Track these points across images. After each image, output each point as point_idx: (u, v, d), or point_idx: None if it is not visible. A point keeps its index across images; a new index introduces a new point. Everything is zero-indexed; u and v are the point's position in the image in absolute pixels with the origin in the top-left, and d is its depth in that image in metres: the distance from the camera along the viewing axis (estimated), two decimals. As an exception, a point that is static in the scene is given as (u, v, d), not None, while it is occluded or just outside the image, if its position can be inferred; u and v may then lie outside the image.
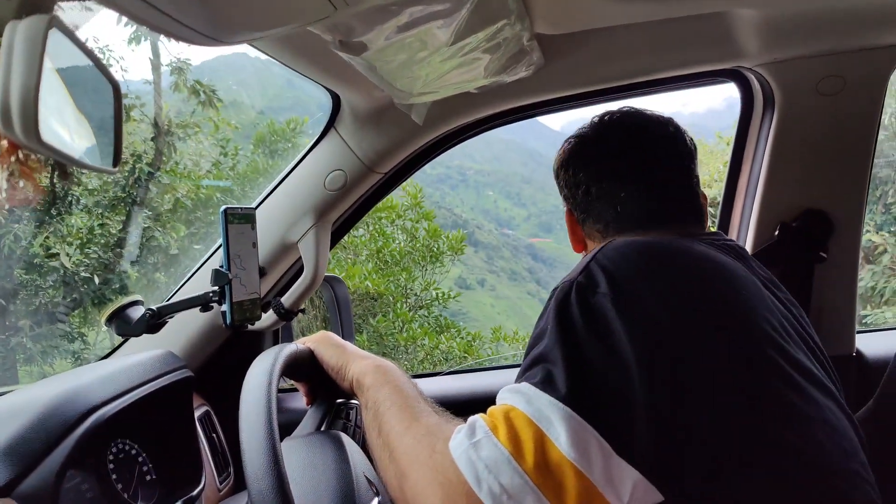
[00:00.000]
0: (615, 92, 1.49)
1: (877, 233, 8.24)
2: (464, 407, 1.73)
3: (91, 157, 0.67)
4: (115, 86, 0.70)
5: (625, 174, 1.09)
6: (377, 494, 1.09)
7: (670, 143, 1.12)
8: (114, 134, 0.70)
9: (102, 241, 7.90)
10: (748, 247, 1.54)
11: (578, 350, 0.80)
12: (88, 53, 0.63)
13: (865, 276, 8.03)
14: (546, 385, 0.78)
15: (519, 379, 0.84)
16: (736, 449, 0.80)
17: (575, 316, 0.82)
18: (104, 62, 0.67)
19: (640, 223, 1.08)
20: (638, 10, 1.13)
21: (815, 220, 1.47)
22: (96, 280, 7.54)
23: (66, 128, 0.58)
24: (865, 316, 7.82)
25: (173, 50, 9.55)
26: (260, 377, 0.96)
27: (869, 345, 1.64)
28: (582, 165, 1.14)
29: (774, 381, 0.84)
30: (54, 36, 0.54)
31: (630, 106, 1.20)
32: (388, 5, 0.78)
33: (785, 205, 1.49)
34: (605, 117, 1.17)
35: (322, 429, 1.21)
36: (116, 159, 0.70)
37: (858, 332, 1.63)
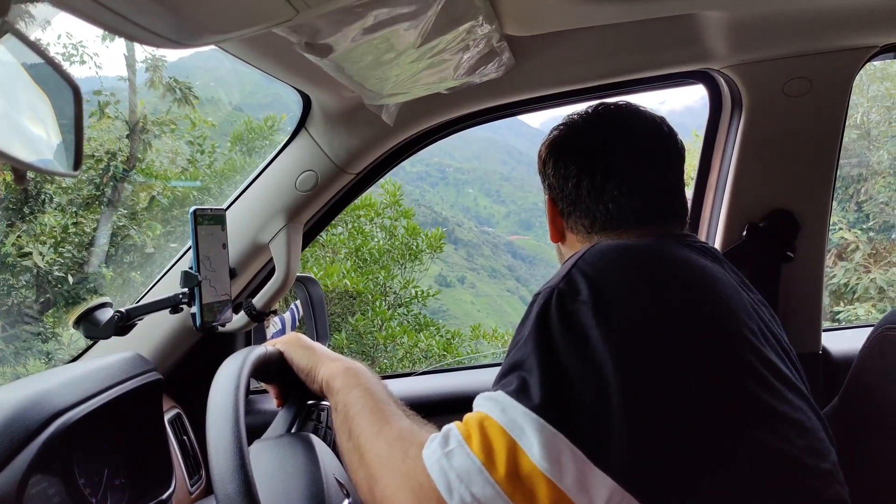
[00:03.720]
0: (586, 93, 1.49)
1: (849, 230, 8.36)
2: (438, 407, 1.74)
3: (49, 162, 0.66)
4: (75, 89, 0.69)
5: (620, 172, 1.07)
6: (347, 496, 1.09)
7: (665, 143, 1.11)
8: (74, 137, 0.69)
9: (77, 239, 7.80)
10: (717, 247, 1.55)
11: (554, 358, 0.80)
12: (45, 57, 0.63)
13: (838, 273, 8.16)
14: (520, 394, 0.78)
15: (495, 385, 0.84)
16: (713, 453, 0.81)
17: (553, 323, 0.82)
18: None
19: (629, 222, 1.07)
20: (606, 12, 1.13)
21: (782, 219, 1.49)
22: (70, 279, 7.44)
23: (20, 132, 0.58)
24: (838, 312, 7.94)
25: (148, 47, 9.44)
26: (228, 379, 0.96)
27: (835, 343, 1.67)
28: (574, 158, 1.11)
29: (751, 385, 0.85)
30: (9, 41, 0.53)
31: (626, 101, 1.19)
32: (353, 7, 0.78)
33: (753, 205, 1.51)
34: (601, 109, 1.14)
35: (292, 431, 1.21)
36: (77, 163, 0.69)
37: (824, 330, 1.65)
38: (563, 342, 0.81)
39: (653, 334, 0.82)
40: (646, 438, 0.78)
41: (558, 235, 1.18)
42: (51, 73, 0.65)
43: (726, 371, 0.85)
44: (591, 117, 1.15)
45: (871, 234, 8.74)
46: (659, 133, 1.11)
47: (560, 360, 0.80)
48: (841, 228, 8.35)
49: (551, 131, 1.20)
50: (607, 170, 1.07)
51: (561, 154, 1.14)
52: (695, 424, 0.80)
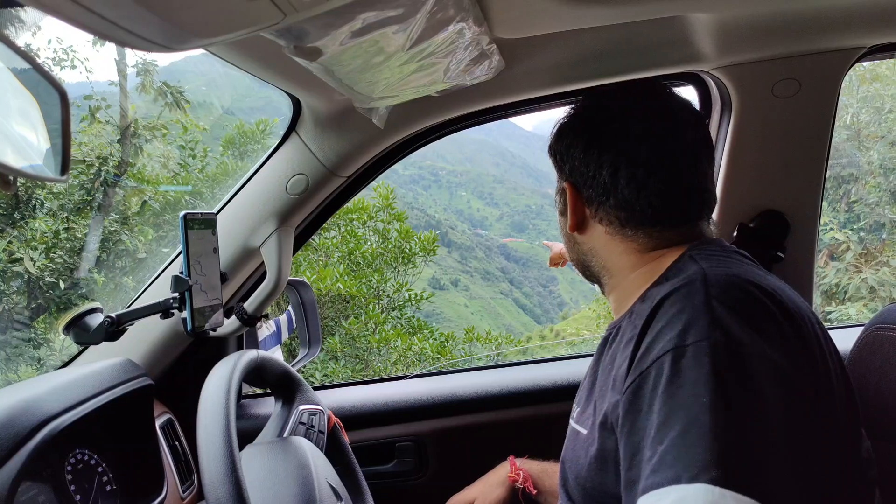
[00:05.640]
0: (576, 95, 1.50)
1: (840, 231, 8.40)
2: (433, 410, 1.74)
3: (38, 167, 0.66)
4: (62, 92, 0.68)
5: (664, 164, 1.01)
6: (339, 500, 1.08)
7: (702, 132, 1.07)
8: (61, 142, 0.69)
9: (68, 245, 7.76)
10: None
11: (741, 425, 0.72)
12: (31, 61, 0.63)
13: (829, 274, 8.20)
14: (739, 481, 0.68)
15: (658, 475, 0.72)
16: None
17: (727, 383, 0.74)
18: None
19: (670, 217, 1.03)
20: (595, 14, 1.13)
21: (772, 220, 1.50)
22: (62, 285, 7.41)
23: (7, 138, 0.57)
24: (830, 312, 7.98)
25: (138, 51, 9.42)
26: (219, 384, 0.96)
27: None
28: (612, 144, 1.03)
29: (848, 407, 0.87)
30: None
31: (656, 81, 1.13)
32: (341, 10, 0.78)
33: (743, 206, 1.51)
34: (637, 89, 1.10)
35: (284, 435, 1.21)
36: (65, 167, 0.69)
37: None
38: (744, 404, 0.73)
39: (804, 373, 0.80)
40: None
41: (579, 226, 1.09)
42: (36, 78, 0.65)
43: (838, 398, 0.85)
44: (627, 98, 1.09)
45: (862, 234, 8.80)
46: (696, 120, 1.07)
47: (748, 425, 0.72)
48: (832, 229, 8.40)
49: (575, 110, 1.13)
50: (651, 161, 1.01)
51: (594, 138, 1.06)
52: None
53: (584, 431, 0.96)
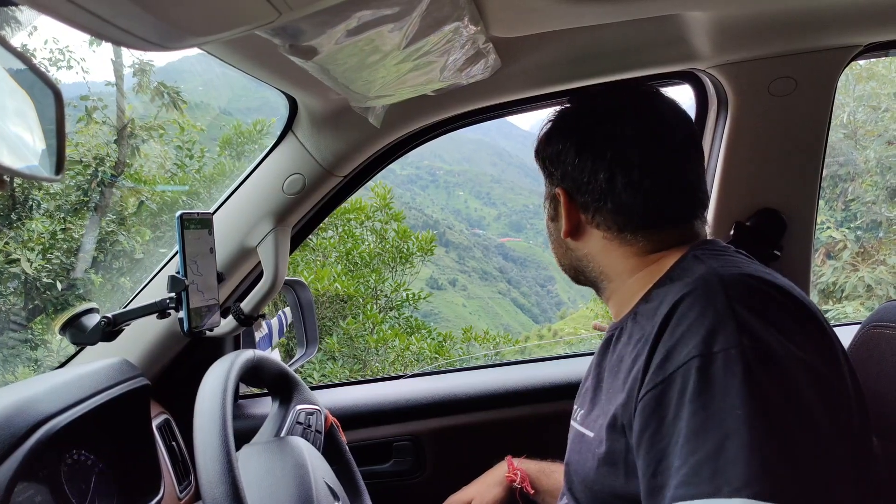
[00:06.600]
0: (573, 94, 1.49)
1: (837, 229, 8.41)
2: (430, 409, 1.74)
3: (33, 167, 0.66)
4: (57, 92, 0.68)
5: (658, 165, 1.00)
6: (337, 500, 1.08)
7: (691, 130, 1.07)
8: (56, 141, 0.69)
9: (65, 245, 7.74)
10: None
11: (779, 431, 0.71)
12: (26, 61, 0.62)
13: (826, 272, 8.20)
14: (779, 492, 0.67)
15: (695, 487, 0.71)
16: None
17: (761, 389, 0.72)
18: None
19: (667, 219, 1.02)
20: (591, 13, 1.13)
21: (768, 218, 1.50)
22: (59, 286, 7.39)
23: (2, 138, 0.57)
24: (827, 311, 7.99)
25: (136, 51, 9.41)
26: (215, 383, 0.96)
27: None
28: (606, 148, 1.02)
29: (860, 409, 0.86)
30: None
31: (641, 81, 1.12)
32: (336, 9, 0.78)
33: (739, 204, 1.51)
34: (625, 92, 1.09)
35: (282, 435, 1.21)
36: (60, 167, 0.69)
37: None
38: (783, 409, 0.72)
39: (831, 367, 0.80)
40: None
41: (574, 232, 1.08)
42: (31, 78, 0.65)
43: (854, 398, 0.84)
44: (614, 100, 1.08)
45: (859, 232, 8.80)
46: (685, 120, 1.07)
47: (788, 431, 0.71)
48: (829, 227, 8.41)
49: (560, 113, 1.12)
50: (644, 162, 1.00)
51: (585, 141, 1.04)
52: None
53: (591, 434, 0.95)
